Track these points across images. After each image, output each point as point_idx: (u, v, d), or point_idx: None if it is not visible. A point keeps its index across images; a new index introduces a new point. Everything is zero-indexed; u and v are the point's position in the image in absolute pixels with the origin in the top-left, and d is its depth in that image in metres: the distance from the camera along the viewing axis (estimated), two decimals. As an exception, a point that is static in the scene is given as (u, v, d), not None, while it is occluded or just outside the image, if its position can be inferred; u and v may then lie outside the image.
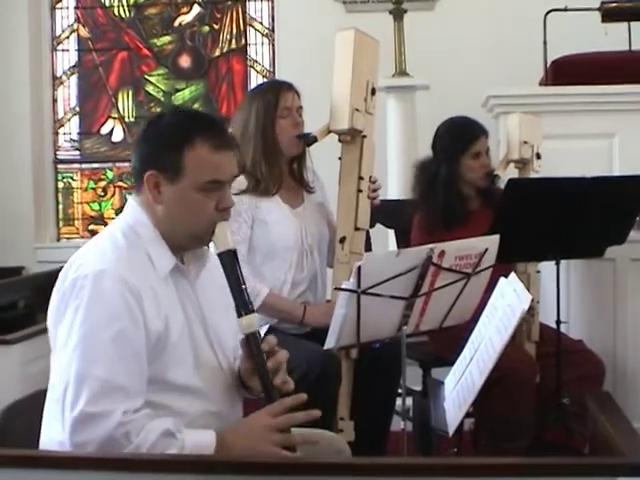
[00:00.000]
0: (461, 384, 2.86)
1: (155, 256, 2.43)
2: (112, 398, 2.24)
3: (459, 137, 4.28)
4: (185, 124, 2.47)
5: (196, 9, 7.85)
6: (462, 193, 4.29)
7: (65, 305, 2.33)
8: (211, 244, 2.54)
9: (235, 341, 2.58)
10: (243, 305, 2.42)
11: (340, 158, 3.90)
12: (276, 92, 3.86)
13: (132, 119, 7.84)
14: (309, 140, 3.83)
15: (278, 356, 2.46)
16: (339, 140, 3.88)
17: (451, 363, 3.11)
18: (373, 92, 3.86)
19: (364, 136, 3.85)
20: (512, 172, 4.39)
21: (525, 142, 4.31)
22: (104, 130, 7.90)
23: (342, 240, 3.83)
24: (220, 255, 2.45)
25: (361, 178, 3.84)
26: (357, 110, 3.77)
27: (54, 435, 2.35)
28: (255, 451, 2.30)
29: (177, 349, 2.39)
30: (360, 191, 3.84)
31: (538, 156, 4.35)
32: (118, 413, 2.23)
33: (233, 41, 7.83)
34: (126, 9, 7.88)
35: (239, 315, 2.42)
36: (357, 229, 3.84)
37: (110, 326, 2.27)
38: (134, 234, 2.45)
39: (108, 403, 2.23)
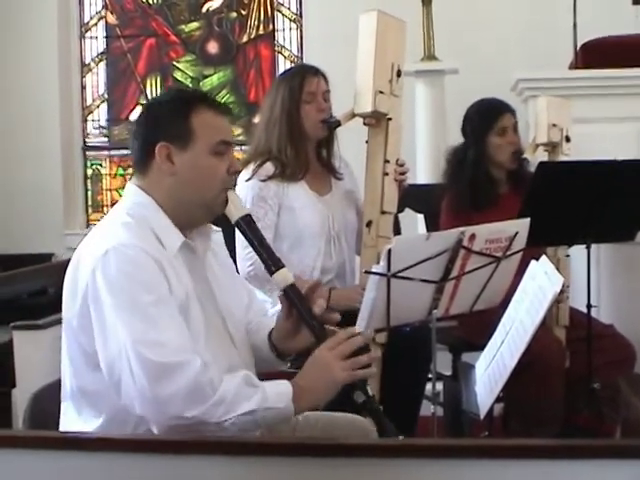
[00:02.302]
0: (492, 367, 2.84)
1: (162, 235, 2.41)
2: (183, 354, 2.21)
3: (485, 115, 4.28)
4: (184, 94, 2.57)
5: (223, -5, 7.86)
6: (491, 175, 4.27)
7: (93, 289, 2.27)
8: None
9: (242, 315, 2.62)
10: (273, 262, 2.43)
11: (367, 142, 3.89)
12: (301, 77, 3.85)
13: (160, 106, 7.84)
14: (332, 124, 3.83)
15: (319, 302, 2.45)
16: (364, 123, 3.87)
17: (481, 348, 3.09)
18: (399, 74, 3.83)
19: (389, 119, 3.83)
20: (542, 155, 4.36)
21: (554, 125, 4.27)
22: (132, 117, 7.91)
23: (369, 224, 3.83)
24: (237, 223, 2.45)
25: (387, 161, 3.82)
26: (381, 92, 3.75)
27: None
28: (327, 384, 2.30)
29: (195, 324, 2.38)
30: (386, 174, 3.82)
31: (567, 139, 4.31)
32: (199, 361, 2.20)
33: (261, 27, 7.82)
34: (153, -5, 7.90)
35: (271, 273, 2.42)
36: (383, 213, 3.83)
37: (148, 292, 2.25)
38: (139, 215, 2.43)
39: (183, 355, 2.21)
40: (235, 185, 2.52)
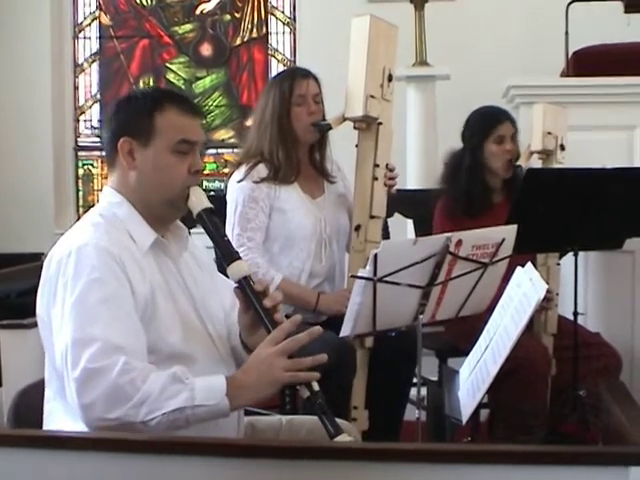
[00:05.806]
0: (475, 373, 2.85)
1: (135, 232, 2.46)
2: (112, 355, 2.23)
3: (483, 122, 4.27)
4: (153, 93, 2.60)
5: (217, -3, 7.86)
6: (486, 182, 4.26)
7: (54, 287, 2.34)
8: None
9: (224, 315, 2.63)
10: (229, 254, 2.45)
11: (357, 146, 3.89)
12: (291, 80, 3.87)
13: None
14: (323, 128, 3.83)
15: (273, 294, 2.45)
16: (354, 127, 3.87)
17: (467, 353, 3.10)
18: (390, 78, 3.83)
19: (380, 123, 3.83)
20: (536, 163, 4.36)
21: (549, 133, 4.27)
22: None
23: (357, 228, 3.83)
24: (199, 215, 2.47)
25: (377, 165, 3.82)
26: (372, 97, 3.75)
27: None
28: (268, 382, 2.29)
29: (167, 318, 2.41)
30: (375, 179, 3.82)
31: (562, 147, 4.31)
32: (119, 363, 2.21)
33: (254, 30, 7.83)
34: (147, -3, 7.90)
35: (228, 264, 2.43)
36: (372, 217, 3.83)
37: (99, 290, 2.29)
38: (111, 214, 2.48)
39: (108, 358, 2.22)
40: (198, 183, 2.54)
